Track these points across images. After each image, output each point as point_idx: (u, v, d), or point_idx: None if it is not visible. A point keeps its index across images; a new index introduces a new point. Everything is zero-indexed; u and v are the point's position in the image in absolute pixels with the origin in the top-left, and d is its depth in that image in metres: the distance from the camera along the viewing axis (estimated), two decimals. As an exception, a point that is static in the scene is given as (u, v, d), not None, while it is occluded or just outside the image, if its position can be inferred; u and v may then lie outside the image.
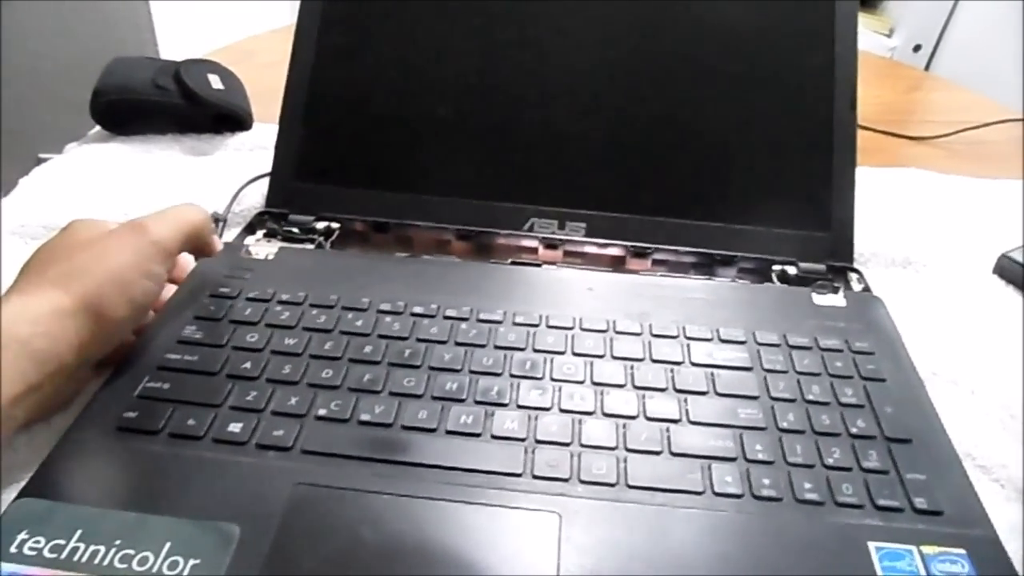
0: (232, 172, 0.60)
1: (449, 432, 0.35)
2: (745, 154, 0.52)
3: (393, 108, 0.53)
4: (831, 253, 0.50)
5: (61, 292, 0.34)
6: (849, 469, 0.35)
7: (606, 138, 0.52)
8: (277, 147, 0.53)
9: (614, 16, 0.53)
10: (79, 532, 0.30)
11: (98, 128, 0.68)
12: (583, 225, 0.51)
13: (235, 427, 0.35)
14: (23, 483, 0.32)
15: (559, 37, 0.53)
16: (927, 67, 1.85)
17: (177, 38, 1.48)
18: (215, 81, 0.66)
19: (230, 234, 0.53)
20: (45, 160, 0.64)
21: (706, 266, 0.51)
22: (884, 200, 0.61)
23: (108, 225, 0.39)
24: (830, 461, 0.35)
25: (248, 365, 0.38)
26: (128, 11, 1.45)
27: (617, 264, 0.51)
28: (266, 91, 0.67)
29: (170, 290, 0.44)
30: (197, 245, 0.41)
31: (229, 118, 0.67)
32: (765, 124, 0.52)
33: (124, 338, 0.39)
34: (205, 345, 0.40)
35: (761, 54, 0.53)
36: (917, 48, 1.82)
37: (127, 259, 0.36)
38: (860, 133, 0.52)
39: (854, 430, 0.37)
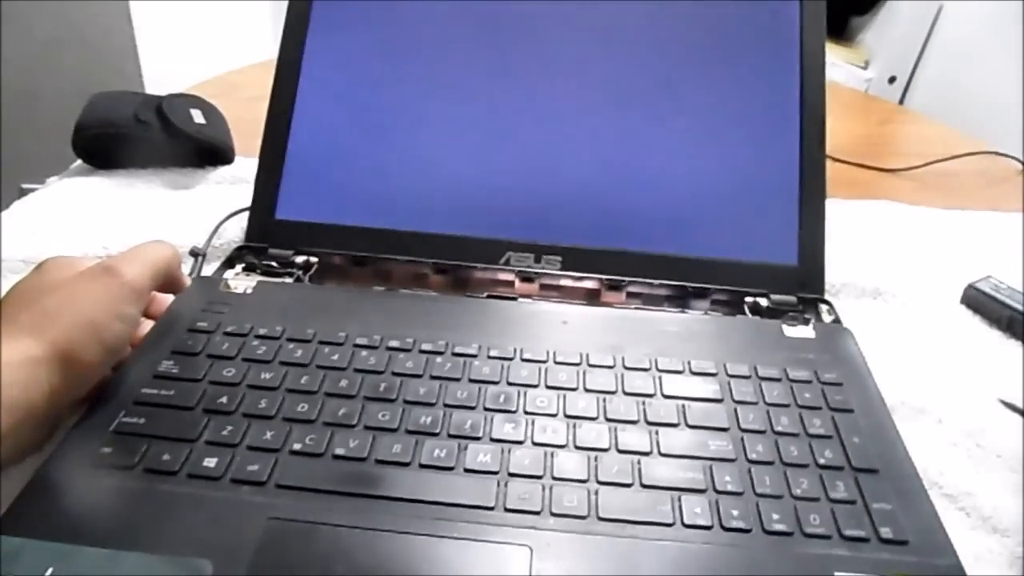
0: (213, 206, 0.61)
1: (423, 466, 0.36)
2: (717, 187, 0.53)
3: (371, 144, 0.54)
4: (802, 285, 0.51)
5: (33, 340, 0.34)
6: (817, 499, 0.35)
7: (579, 172, 0.53)
8: (256, 182, 0.54)
9: (586, 52, 0.55)
10: (50, 570, 0.30)
11: (80, 162, 0.68)
12: (559, 259, 0.52)
13: (210, 461, 0.35)
14: (-5, 520, 0.32)
15: (532, 71, 0.55)
16: (902, 98, 1.88)
17: (162, 69, 1.49)
18: (197, 116, 0.67)
19: (209, 268, 0.53)
20: (28, 191, 0.65)
21: (680, 298, 0.51)
22: (855, 232, 0.62)
23: (81, 264, 0.39)
24: (798, 492, 0.36)
25: (224, 399, 0.39)
26: (113, 42, 1.46)
27: (592, 297, 0.52)
28: (248, 124, 0.68)
29: (148, 325, 0.44)
30: (168, 282, 0.42)
31: (211, 152, 0.68)
32: (735, 157, 0.54)
33: (99, 379, 0.39)
34: (181, 380, 0.40)
35: (730, 87, 0.55)
36: (892, 80, 1.86)
37: (98, 303, 0.37)
38: (833, 165, 0.54)
39: (822, 460, 0.37)
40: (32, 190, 0.65)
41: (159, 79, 1.49)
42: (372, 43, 0.55)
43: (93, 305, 0.36)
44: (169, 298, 0.46)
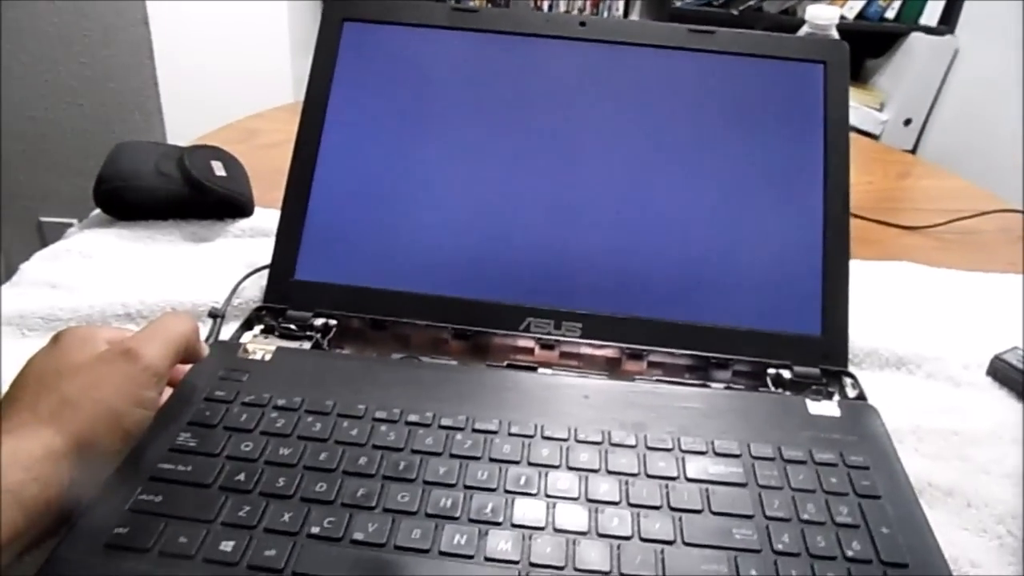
0: (232, 260, 0.61)
1: (443, 553, 0.35)
2: (739, 254, 0.53)
3: (391, 207, 0.54)
4: (825, 356, 0.50)
5: (53, 431, 0.34)
6: (845, 597, 0.34)
7: (601, 238, 0.53)
8: (277, 243, 0.54)
9: (608, 117, 0.55)
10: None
11: (100, 211, 0.69)
12: (579, 325, 0.51)
13: (227, 545, 0.35)
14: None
15: (554, 136, 0.55)
16: (917, 140, 1.89)
17: (181, 112, 1.51)
18: (218, 168, 0.68)
19: (228, 327, 0.53)
20: (46, 224, 0.65)
21: (701, 368, 0.51)
22: (877, 295, 0.62)
23: (99, 336, 0.39)
24: (826, 587, 0.35)
25: (242, 477, 0.38)
26: (134, 79, 1.47)
27: (613, 365, 0.51)
28: (267, 174, 0.69)
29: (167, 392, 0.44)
30: (187, 356, 0.41)
31: (231, 204, 0.68)
32: (758, 223, 0.53)
33: (117, 465, 0.38)
34: (199, 454, 0.40)
35: (753, 152, 0.55)
36: (908, 122, 1.86)
37: (119, 390, 0.36)
38: (852, 222, 0.53)
39: (850, 553, 0.36)
40: (51, 224, 0.65)
41: (179, 115, 1.51)
42: (394, 106, 0.56)
43: (114, 392, 0.36)
44: (187, 365, 0.45)
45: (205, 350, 0.43)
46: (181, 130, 1.47)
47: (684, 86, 0.56)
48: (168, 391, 0.44)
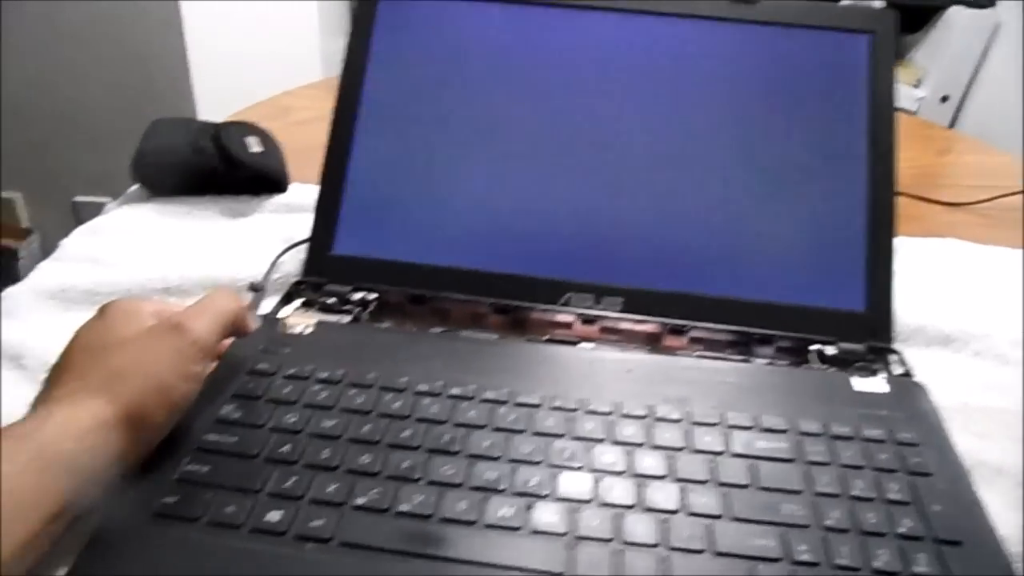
0: (269, 235, 0.61)
1: (489, 526, 0.35)
2: (782, 229, 0.52)
3: (431, 181, 0.53)
4: (870, 333, 0.50)
5: (103, 402, 0.34)
6: (897, 574, 0.34)
7: (642, 213, 0.52)
8: (316, 217, 0.54)
9: (650, 92, 0.54)
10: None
11: (137, 186, 0.69)
12: (620, 300, 0.51)
13: (274, 515, 0.35)
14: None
15: (596, 110, 0.54)
16: (954, 118, 1.84)
17: (212, 90, 1.51)
18: (253, 144, 0.67)
19: (267, 302, 0.53)
20: (81, 204, 0.65)
21: (743, 344, 0.50)
22: (922, 272, 0.60)
23: (145, 310, 0.39)
24: (877, 564, 0.34)
25: (287, 449, 0.38)
26: (165, 58, 1.48)
27: (654, 341, 0.51)
28: (301, 149, 0.68)
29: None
30: (234, 332, 0.41)
31: (267, 181, 0.68)
32: (801, 197, 0.52)
33: (163, 437, 0.38)
34: (244, 425, 0.40)
35: (796, 125, 0.53)
36: (945, 99, 1.82)
37: (168, 363, 0.36)
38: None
39: (901, 530, 0.36)
40: (85, 204, 0.65)
41: (209, 92, 1.52)
42: (431, 80, 0.55)
43: (162, 366, 0.36)
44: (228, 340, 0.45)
45: (254, 325, 0.43)
46: (211, 108, 1.48)
47: (725, 59, 0.55)
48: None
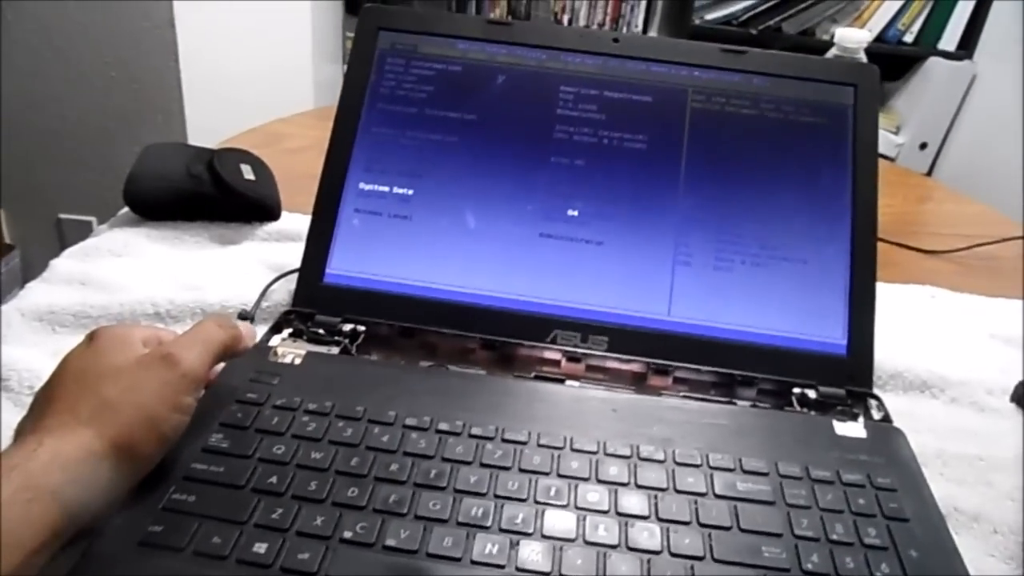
0: (260, 263, 0.61)
1: (474, 562, 0.35)
2: (766, 275, 0.53)
3: (424, 217, 0.54)
4: (851, 378, 0.51)
5: (93, 433, 0.34)
6: (875, 620, 0.34)
7: (630, 252, 0.53)
8: (307, 247, 0.54)
9: (641, 135, 0.55)
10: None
11: (127, 209, 0.69)
12: (605, 339, 0.51)
13: (260, 547, 0.35)
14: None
15: (588, 155, 0.55)
16: (932, 165, 1.88)
17: (203, 114, 1.52)
18: (247, 171, 0.68)
19: (257, 331, 0.53)
20: (64, 221, 0.65)
21: (727, 386, 0.51)
22: (901, 318, 0.62)
23: (135, 337, 0.39)
24: (856, 610, 0.35)
25: (274, 480, 0.39)
26: (158, 86, 1.49)
27: (639, 380, 0.51)
28: (293, 179, 0.69)
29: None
30: (226, 357, 0.42)
31: (259, 207, 0.68)
32: (785, 244, 0.53)
33: (153, 468, 0.38)
34: (231, 455, 0.40)
35: (781, 172, 0.55)
36: (923, 146, 1.86)
37: (157, 395, 0.36)
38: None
39: (878, 575, 0.36)
40: (69, 221, 0.65)
41: (201, 116, 1.52)
42: (426, 116, 0.56)
43: (153, 397, 0.36)
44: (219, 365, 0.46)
45: (249, 343, 0.43)
46: (202, 132, 1.48)
47: (715, 103, 0.56)
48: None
